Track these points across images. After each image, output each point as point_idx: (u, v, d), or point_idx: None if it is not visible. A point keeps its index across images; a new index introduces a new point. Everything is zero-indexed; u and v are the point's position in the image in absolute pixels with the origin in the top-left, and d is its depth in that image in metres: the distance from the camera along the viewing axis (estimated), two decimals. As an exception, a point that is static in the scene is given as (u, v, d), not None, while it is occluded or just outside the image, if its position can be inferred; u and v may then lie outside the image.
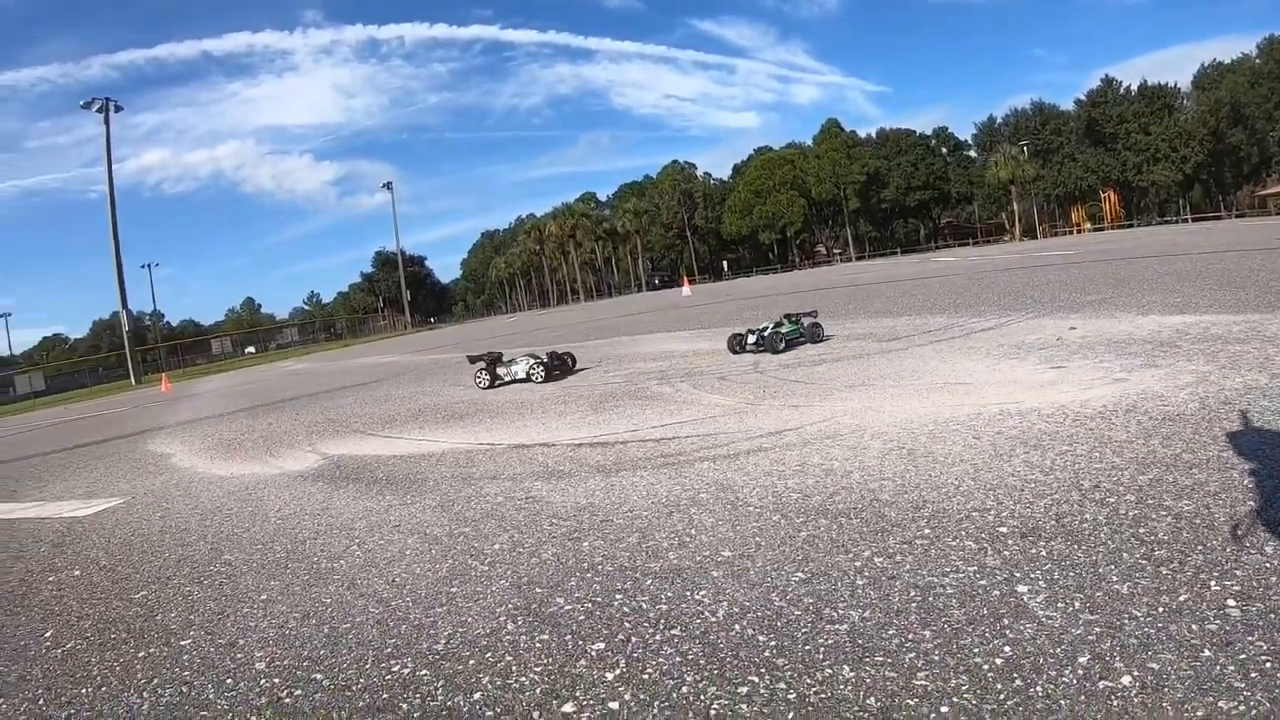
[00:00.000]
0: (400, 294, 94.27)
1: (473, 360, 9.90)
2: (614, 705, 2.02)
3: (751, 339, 9.10)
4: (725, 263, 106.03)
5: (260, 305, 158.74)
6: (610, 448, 5.08)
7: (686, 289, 44.01)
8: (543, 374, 9.10)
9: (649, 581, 2.72)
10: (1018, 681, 1.87)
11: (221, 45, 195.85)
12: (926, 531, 2.82)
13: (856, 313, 12.01)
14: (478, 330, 42.60)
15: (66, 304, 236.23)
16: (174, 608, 3.25)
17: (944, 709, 1.83)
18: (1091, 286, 10.87)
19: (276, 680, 2.39)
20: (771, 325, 9.21)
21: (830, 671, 2.02)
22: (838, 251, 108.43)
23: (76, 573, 4.10)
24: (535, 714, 2.01)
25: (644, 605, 2.57)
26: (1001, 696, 1.82)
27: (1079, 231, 79.32)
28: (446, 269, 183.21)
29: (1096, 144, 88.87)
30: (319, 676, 2.42)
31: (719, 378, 7.29)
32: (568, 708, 2.06)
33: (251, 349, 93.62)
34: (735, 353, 9.19)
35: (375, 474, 5.46)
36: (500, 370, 9.54)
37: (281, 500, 5.11)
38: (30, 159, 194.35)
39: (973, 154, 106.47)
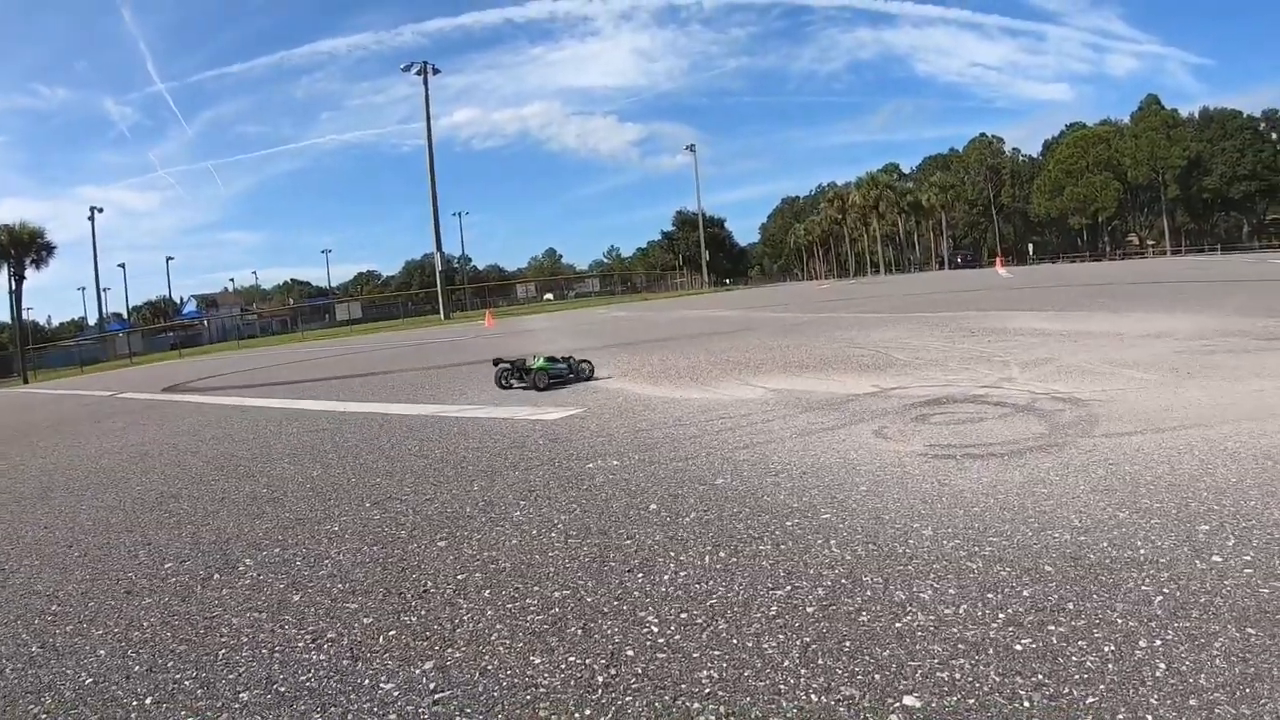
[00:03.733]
0: (698, 253, 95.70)
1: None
2: None
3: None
4: (1031, 246, 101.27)
5: (561, 256, 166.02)
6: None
7: (1002, 269, 42.43)
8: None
9: None
10: None
11: (524, 12, 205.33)
12: None
13: (1220, 309, 10.85)
14: (790, 293, 42.47)
15: (380, 244, 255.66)
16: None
17: None
18: None
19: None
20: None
21: None
22: (1151, 243, 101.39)
23: (615, 462, 4.24)
24: None
25: None
26: None
27: None
28: (743, 231, 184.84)
29: None
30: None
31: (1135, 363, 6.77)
32: None
33: (550, 295, 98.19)
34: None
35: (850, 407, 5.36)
36: None
37: (763, 417, 5.10)
38: (350, 116, 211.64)
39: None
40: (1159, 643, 1.89)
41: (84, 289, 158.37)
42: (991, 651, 1.92)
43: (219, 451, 6.02)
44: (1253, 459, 3.36)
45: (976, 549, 2.58)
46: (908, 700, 1.74)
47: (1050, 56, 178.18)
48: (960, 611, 2.14)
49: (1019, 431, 4.19)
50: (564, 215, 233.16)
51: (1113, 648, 1.89)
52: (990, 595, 2.22)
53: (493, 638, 2.22)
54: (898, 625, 2.10)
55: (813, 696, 1.79)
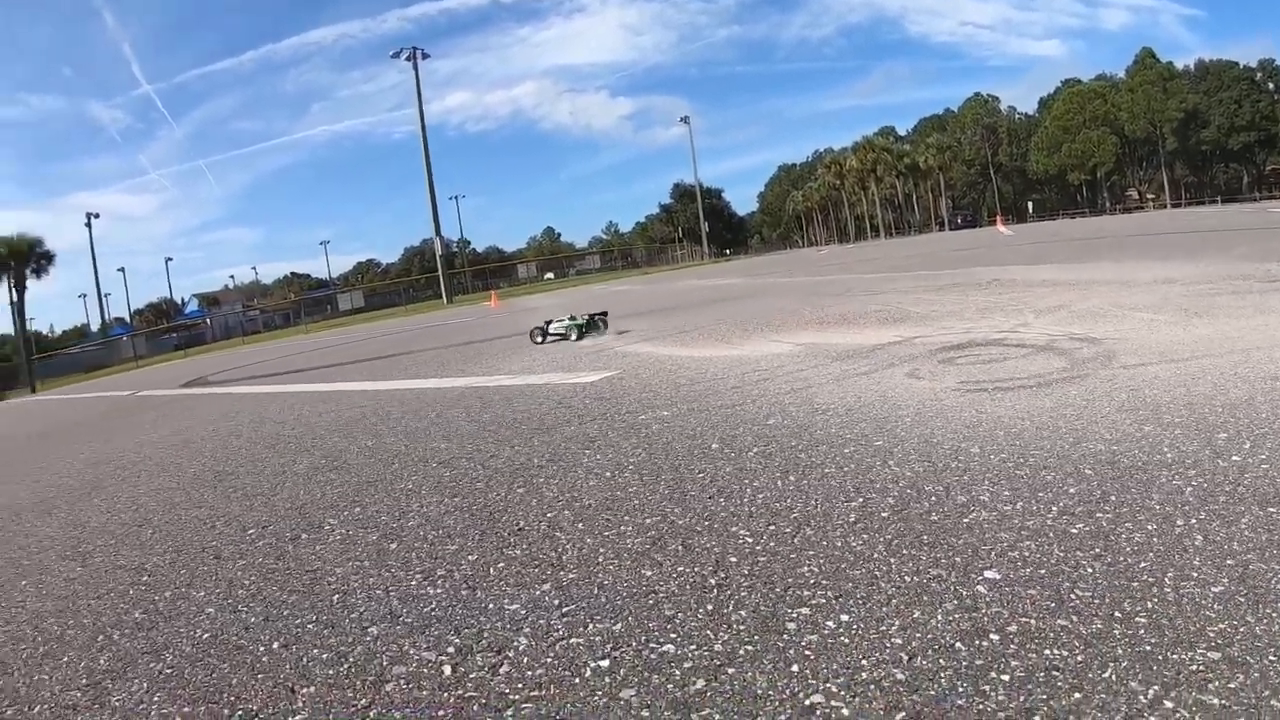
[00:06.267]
0: (698, 225, 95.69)
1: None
2: None
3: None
4: (1030, 204, 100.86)
5: (560, 234, 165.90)
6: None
7: (1003, 228, 42.42)
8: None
9: None
10: None
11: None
12: None
13: (1222, 256, 10.99)
14: (791, 259, 42.29)
15: (378, 233, 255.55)
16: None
17: None
18: None
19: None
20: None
21: None
22: (1151, 197, 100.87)
23: (665, 413, 4.39)
24: None
25: None
26: None
27: None
28: (741, 201, 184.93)
29: None
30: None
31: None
32: None
33: (550, 274, 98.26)
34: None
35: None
36: None
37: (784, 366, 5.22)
38: (341, 106, 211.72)
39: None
40: (1194, 521, 2.12)
41: (85, 296, 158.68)
42: (1051, 535, 2.14)
43: (263, 433, 6.08)
44: (1261, 380, 3.55)
45: (1022, 460, 2.78)
46: (989, 574, 1.97)
47: (1042, 13, 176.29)
48: (1017, 507, 2.36)
49: (1042, 367, 4.36)
50: (561, 193, 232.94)
51: (1155, 526, 2.12)
52: (1040, 494, 2.44)
53: (599, 560, 2.38)
54: (965, 520, 2.31)
55: (906, 578, 2.01)
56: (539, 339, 9.35)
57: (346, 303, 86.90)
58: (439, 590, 2.36)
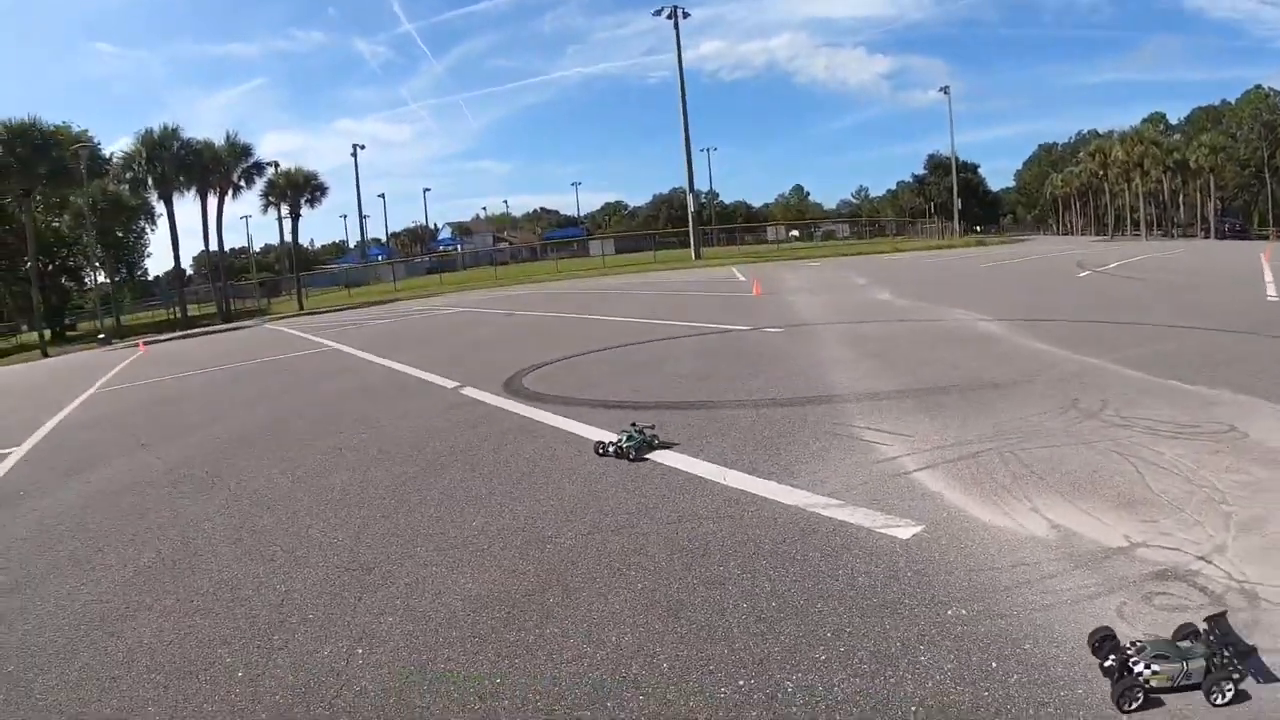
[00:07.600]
0: (950, 199, 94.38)
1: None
2: None
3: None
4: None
5: (809, 193, 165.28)
6: None
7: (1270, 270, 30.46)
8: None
9: None
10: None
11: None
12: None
13: None
14: (1044, 268, 41.55)
15: (626, 175, 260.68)
16: None
17: None
18: None
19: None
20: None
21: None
22: None
23: (963, 611, 5.11)
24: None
25: None
26: None
27: None
28: (995, 174, 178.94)
29: None
30: None
31: None
32: None
33: (795, 233, 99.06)
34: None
35: None
36: None
37: None
38: (595, 50, 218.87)
39: None
40: None
41: (345, 216, 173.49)
42: None
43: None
44: None
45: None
46: None
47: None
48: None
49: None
50: (811, 149, 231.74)
51: None
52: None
53: None
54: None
55: None
56: (601, 452, 9.56)
57: (597, 249, 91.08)
58: None
